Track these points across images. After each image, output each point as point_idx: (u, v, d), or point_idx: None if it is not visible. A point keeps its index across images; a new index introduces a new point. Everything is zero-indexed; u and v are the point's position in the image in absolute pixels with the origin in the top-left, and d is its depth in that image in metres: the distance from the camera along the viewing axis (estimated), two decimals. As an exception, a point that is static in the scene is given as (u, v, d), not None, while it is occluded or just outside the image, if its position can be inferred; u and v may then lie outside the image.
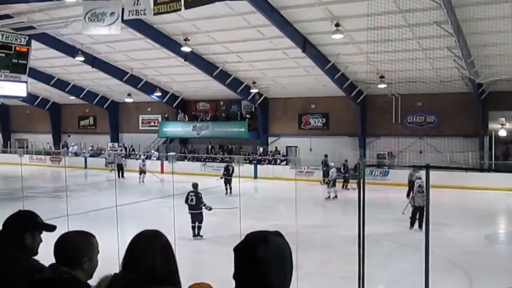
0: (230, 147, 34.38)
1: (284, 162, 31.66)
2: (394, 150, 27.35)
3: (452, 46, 20.55)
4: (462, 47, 20.03)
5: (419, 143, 27.93)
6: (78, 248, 2.68)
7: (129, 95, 35.51)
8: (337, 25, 20.66)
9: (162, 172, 32.88)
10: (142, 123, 38.82)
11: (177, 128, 35.69)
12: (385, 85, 25.18)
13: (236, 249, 1.95)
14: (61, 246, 2.69)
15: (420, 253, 6.74)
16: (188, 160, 34.58)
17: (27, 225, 3.12)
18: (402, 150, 27.40)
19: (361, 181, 6.62)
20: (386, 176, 27.72)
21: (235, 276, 1.95)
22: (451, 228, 15.95)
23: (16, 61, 12.95)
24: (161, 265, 2.27)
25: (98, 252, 2.78)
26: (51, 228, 3.19)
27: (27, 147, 43.32)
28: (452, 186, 23.78)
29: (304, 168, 29.70)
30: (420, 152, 27.51)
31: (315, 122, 32.10)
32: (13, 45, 12.73)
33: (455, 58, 21.50)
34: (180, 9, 11.11)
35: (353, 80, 27.96)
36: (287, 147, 33.06)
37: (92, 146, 39.49)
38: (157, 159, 35.09)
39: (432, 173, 6.60)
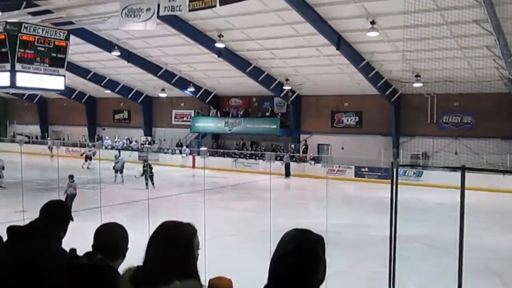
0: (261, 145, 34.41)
1: (313, 161, 31.48)
2: (428, 151, 26.94)
3: (491, 45, 20.07)
4: (502, 46, 19.51)
5: (455, 144, 27.39)
6: (122, 238, 2.80)
7: (163, 90, 35.88)
8: (372, 22, 20.43)
9: (193, 167, 33.15)
10: (175, 117, 39.19)
11: (209, 124, 35.89)
12: (421, 84, 24.81)
13: (295, 249, 1.92)
14: (105, 234, 2.79)
15: (453, 256, 6.61)
16: (219, 156, 34.76)
17: (65, 217, 3.19)
18: (437, 151, 26.96)
19: (394, 181, 6.53)
20: (420, 177, 27.32)
21: (279, 275, 1.93)
22: (486, 232, 15.60)
23: (55, 55, 13.21)
24: (182, 258, 2.25)
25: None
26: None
27: (63, 139, 44.23)
28: (488, 189, 23.27)
29: (336, 167, 29.52)
30: (456, 153, 27.00)
31: (347, 120, 31.84)
32: (53, 40, 12.99)
33: (495, 58, 20.98)
34: (215, 6, 11.15)
35: (388, 79, 27.61)
36: (318, 145, 32.89)
37: (127, 139, 40.07)
38: (189, 154, 35.43)
39: (468, 175, 6.46)
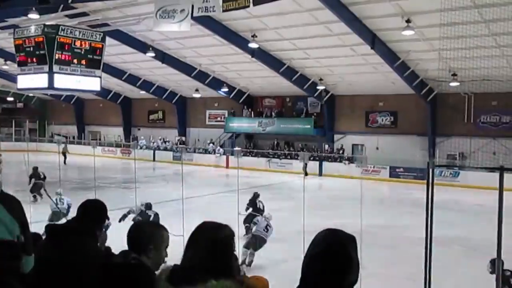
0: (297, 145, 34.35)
1: (347, 161, 31.25)
2: (465, 151, 26.45)
3: (531, 43, 19.59)
4: (542, 44, 19.03)
5: (493, 144, 26.78)
6: (146, 235, 2.79)
7: (196, 90, 36.17)
8: (408, 21, 20.16)
9: (227, 166, 33.32)
10: (209, 118, 39.46)
11: (243, 124, 36.02)
12: (458, 83, 24.35)
13: (327, 250, 1.92)
14: (131, 232, 2.82)
15: (490, 259, 6.47)
16: (253, 156, 34.83)
17: (102, 217, 3.25)
18: (474, 151, 26.44)
19: (430, 181, 6.43)
20: (457, 178, 26.85)
21: (310, 275, 1.92)
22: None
23: (91, 56, 13.46)
24: (219, 258, 2.31)
25: (167, 245, 2.85)
26: None
27: (99, 139, 45.07)
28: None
29: (370, 167, 29.27)
30: (494, 154, 26.41)
31: (382, 120, 31.51)
32: (89, 41, 13.25)
33: (534, 56, 20.48)
34: (248, 6, 11.18)
35: (424, 78, 27.20)
36: (353, 145, 32.65)
37: (161, 139, 40.55)
38: (223, 154, 35.62)
39: (507, 175, 6.30)
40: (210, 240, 2.32)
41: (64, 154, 34.78)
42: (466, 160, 27.38)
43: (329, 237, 1.96)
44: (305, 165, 29.68)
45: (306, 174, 29.44)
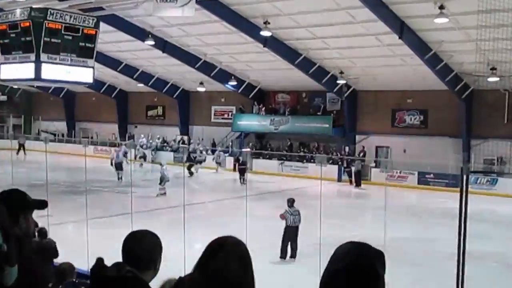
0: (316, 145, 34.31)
1: (374, 164, 31.21)
2: (505, 155, 26.28)
3: None
4: None
5: (537, 148, 26.70)
6: (154, 248, 2.83)
7: (201, 83, 36.24)
8: (441, 7, 20.07)
9: (234, 170, 33.34)
10: (214, 114, 39.51)
11: (253, 122, 36.03)
12: (497, 79, 24.24)
13: (351, 266, 1.89)
14: (134, 244, 2.81)
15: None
16: (264, 158, 34.82)
17: (18, 206, 3.20)
18: (515, 155, 26.33)
19: (464, 189, 6.41)
20: (494, 185, 26.72)
21: None
22: None
23: (83, 44, 13.47)
24: (237, 276, 2.41)
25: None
26: (42, 204, 3.33)
27: (91, 137, 45.20)
28: None
29: (396, 172, 29.18)
30: (538, 159, 26.33)
31: (411, 120, 31.42)
32: (81, 27, 13.26)
33: None
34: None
35: (458, 72, 27.09)
36: (377, 147, 32.56)
37: (158, 138, 40.52)
38: (230, 155, 35.26)
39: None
40: (236, 256, 2.45)
41: (21, 146, 36.90)
42: (505, 165, 27.27)
43: (353, 252, 1.93)
44: (359, 173, 29.48)
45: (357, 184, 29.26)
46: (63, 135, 46.48)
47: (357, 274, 1.86)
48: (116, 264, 2.74)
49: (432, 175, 28.97)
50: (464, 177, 6.59)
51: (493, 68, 23.70)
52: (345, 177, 30.89)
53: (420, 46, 24.46)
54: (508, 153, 25.81)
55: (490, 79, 24.57)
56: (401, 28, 22.87)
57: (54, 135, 45.83)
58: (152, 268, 2.79)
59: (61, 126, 47.87)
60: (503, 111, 27.39)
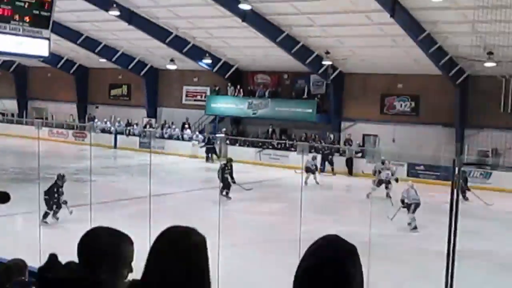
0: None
1: (360, 154, 31.44)
2: (500, 147, 26.66)
3: None
4: None
5: (535, 140, 27.17)
6: (102, 247, 2.64)
7: (172, 60, 36.04)
8: (437, -16, 20.30)
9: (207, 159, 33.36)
10: (186, 96, 39.35)
11: (229, 105, 35.94)
12: (494, 64, 24.54)
13: (323, 260, 1.88)
14: (87, 243, 2.68)
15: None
16: (240, 145, 34.86)
17: None
18: (511, 147, 26.72)
19: (456, 183, 6.58)
20: (488, 179, 27.06)
21: None
22: None
23: (37, 12, 13.22)
24: (190, 272, 2.26)
25: (131, 260, 2.67)
26: (4, 197, 3.33)
27: (46, 118, 44.62)
28: None
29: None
30: (535, 151, 26.79)
31: (401, 106, 31.68)
32: (35, -8, 13.13)
33: None
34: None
35: (453, 56, 27.34)
36: (364, 135, 32.77)
37: (119, 121, 40.23)
38: (202, 145, 35.19)
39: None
40: (179, 250, 2.26)
41: None
42: (500, 158, 27.62)
43: (323, 247, 1.93)
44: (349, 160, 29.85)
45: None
46: (12, 115, 45.88)
47: (326, 271, 1.85)
48: (68, 264, 2.59)
49: (422, 167, 29.21)
50: (457, 169, 6.76)
51: (490, 53, 23.97)
52: (328, 167, 31.08)
53: (413, 26, 24.65)
54: (503, 144, 26.15)
55: (487, 64, 24.86)
56: (393, 6, 23.00)
57: (2, 114, 45.20)
58: (112, 272, 2.59)
59: (10, 105, 47.07)
60: (500, 99, 27.71)
